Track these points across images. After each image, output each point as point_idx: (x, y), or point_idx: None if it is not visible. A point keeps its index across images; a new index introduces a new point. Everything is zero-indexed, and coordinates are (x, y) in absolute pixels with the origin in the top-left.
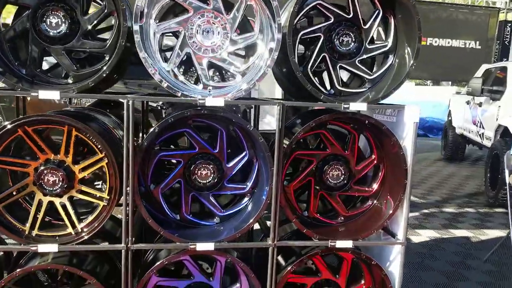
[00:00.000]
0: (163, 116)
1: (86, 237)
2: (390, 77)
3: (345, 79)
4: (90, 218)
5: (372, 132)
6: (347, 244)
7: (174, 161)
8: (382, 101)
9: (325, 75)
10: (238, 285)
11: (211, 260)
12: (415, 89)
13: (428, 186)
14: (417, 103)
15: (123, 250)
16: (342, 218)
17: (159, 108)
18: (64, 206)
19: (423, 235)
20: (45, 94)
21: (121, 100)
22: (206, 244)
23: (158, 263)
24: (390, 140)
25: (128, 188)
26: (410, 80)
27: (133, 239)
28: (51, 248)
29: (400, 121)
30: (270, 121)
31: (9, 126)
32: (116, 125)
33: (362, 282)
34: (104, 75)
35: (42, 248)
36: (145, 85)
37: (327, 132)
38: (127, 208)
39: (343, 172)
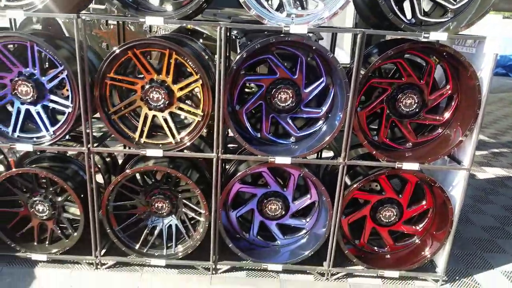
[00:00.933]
0: (238, 45)
1: (185, 145)
2: (474, 7)
3: (426, 9)
4: (188, 130)
5: (450, 62)
6: (414, 166)
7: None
8: (462, 32)
9: (406, 4)
10: (308, 196)
11: (283, 175)
12: (502, 23)
13: (501, 126)
14: (503, 38)
15: (214, 159)
16: (411, 144)
17: (233, 37)
18: (165, 120)
19: (489, 172)
20: (151, 20)
21: (213, 26)
22: (284, 158)
23: (242, 171)
24: (467, 71)
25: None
26: (496, 12)
27: (222, 150)
28: (157, 153)
29: (480, 52)
30: (338, 53)
31: (117, 51)
32: (203, 50)
33: (424, 202)
34: (201, 3)
35: (150, 152)
36: (219, 14)
37: (404, 61)
38: (219, 124)
39: (416, 101)
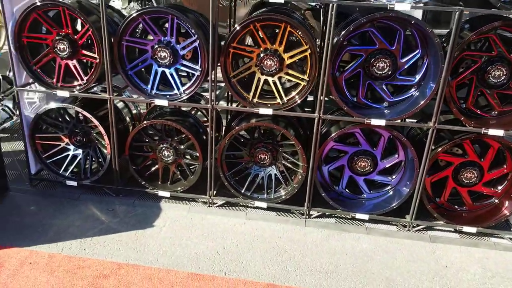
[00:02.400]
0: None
1: (296, 103)
2: None
3: None
4: (293, 93)
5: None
6: (499, 132)
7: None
8: None
9: None
10: (396, 155)
11: (369, 136)
12: None
13: None
14: None
15: (316, 118)
16: (496, 113)
17: (317, 7)
18: (274, 83)
19: None
20: None
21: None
22: (379, 120)
23: (339, 131)
24: None
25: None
26: None
27: (322, 111)
28: (267, 111)
29: None
30: None
31: (238, 28)
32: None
33: (504, 166)
34: None
35: (262, 111)
36: None
37: (496, 36)
38: (323, 88)
39: (505, 73)
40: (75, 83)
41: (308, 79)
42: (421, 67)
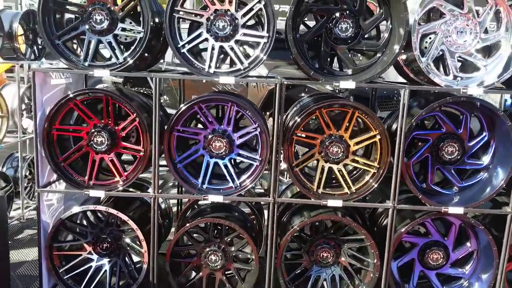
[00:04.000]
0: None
1: (372, 188)
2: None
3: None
4: (363, 181)
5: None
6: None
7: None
8: None
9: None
10: (468, 244)
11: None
12: None
13: None
14: None
15: (390, 209)
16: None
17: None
18: (340, 171)
19: None
20: (346, 84)
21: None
22: (457, 208)
23: (413, 221)
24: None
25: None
26: None
27: (396, 201)
28: (336, 203)
29: None
30: None
31: (312, 109)
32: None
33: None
34: (385, 67)
35: (330, 203)
36: None
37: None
38: (397, 175)
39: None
40: (112, 180)
41: (378, 166)
42: (489, 150)
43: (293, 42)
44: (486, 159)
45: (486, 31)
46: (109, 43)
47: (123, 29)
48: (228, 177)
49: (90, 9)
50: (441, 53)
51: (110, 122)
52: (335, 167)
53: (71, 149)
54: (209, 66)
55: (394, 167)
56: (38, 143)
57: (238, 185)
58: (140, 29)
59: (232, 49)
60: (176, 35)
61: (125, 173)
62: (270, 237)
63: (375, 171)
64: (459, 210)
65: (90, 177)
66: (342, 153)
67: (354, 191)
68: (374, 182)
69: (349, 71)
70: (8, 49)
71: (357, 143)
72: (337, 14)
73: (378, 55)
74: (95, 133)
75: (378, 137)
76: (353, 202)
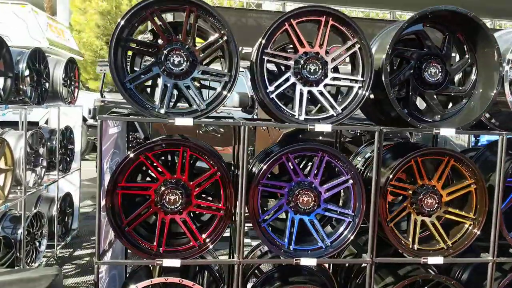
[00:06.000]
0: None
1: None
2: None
3: None
4: (458, 235)
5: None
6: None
7: None
8: None
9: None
10: None
11: None
12: None
13: None
14: None
15: (490, 263)
16: None
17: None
18: (433, 224)
19: None
20: (446, 132)
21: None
22: None
23: None
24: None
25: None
26: None
27: (496, 254)
28: (437, 260)
29: None
30: None
31: (408, 158)
32: None
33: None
34: (481, 113)
35: (431, 260)
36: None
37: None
38: (496, 229)
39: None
40: (185, 244)
41: (474, 217)
42: None
43: (390, 87)
44: None
45: None
46: (187, 87)
47: (204, 72)
48: (315, 236)
49: (167, 49)
50: None
51: (184, 177)
52: (427, 219)
53: (137, 210)
54: (299, 114)
55: (493, 217)
56: (102, 208)
57: (329, 244)
58: (226, 72)
59: (321, 93)
60: (265, 79)
61: (202, 236)
62: None
63: (471, 222)
64: None
65: (159, 243)
66: (436, 204)
67: (451, 245)
68: (470, 237)
69: (437, 117)
70: (12, 91)
71: (449, 193)
72: (426, 59)
73: (464, 100)
74: (167, 190)
75: (474, 186)
76: (452, 257)
